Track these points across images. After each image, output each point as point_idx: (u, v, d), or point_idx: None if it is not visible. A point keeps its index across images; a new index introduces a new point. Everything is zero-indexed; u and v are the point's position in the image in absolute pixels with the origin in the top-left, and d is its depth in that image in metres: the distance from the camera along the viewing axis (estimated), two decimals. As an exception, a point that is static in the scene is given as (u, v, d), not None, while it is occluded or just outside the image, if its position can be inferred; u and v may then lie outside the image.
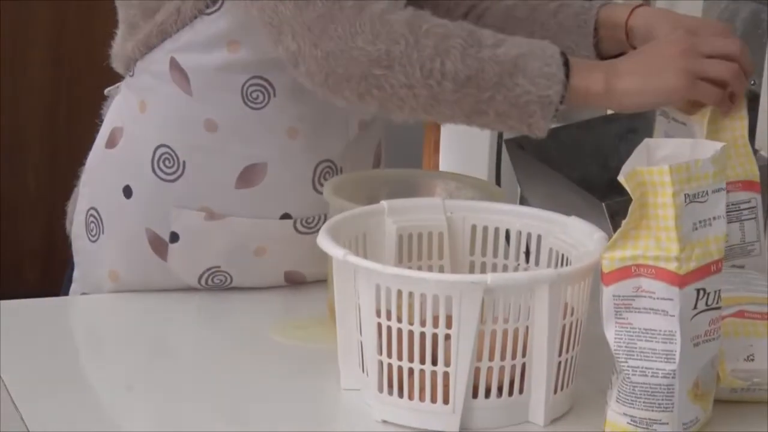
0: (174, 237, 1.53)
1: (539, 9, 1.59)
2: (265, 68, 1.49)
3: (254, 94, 1.49)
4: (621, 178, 1.21)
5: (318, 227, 1.53)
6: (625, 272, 1.22)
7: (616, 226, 1.23)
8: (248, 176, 1.52)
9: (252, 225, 1.53)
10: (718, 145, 1.26)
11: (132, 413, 1.30)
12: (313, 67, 1.36)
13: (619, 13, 1.54)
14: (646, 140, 1.28)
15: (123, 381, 1.36)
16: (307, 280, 1.60)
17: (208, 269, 1.55)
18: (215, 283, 1.56)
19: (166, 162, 1.51)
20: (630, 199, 1.21)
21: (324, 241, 1.30)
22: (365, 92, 1.36)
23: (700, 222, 1.22)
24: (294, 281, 1.59)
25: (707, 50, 1.38)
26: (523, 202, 2.14)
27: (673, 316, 1.21)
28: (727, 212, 1.46)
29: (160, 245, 1.53)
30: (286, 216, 1.54)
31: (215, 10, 1.47)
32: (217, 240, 1.53)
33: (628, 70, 1.38)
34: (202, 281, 1.55)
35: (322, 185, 1.53)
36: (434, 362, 1.24)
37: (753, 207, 1.48)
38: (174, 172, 1.52)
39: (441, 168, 3.23)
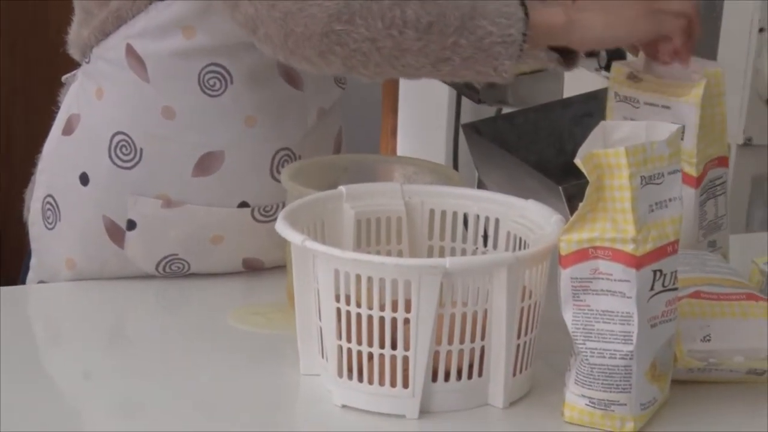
0: (131, 224, 1.52)
1: None
2: (222, 55, 1.48)
3: (211, 81, 1.49)
4: (578, 161, 1.21)
5: (276, 215, 1.53)
6: (582, 254, 1.23)
7: (573, 210, 1.24)
8: (206, 164, 1.51)
9: (209, 213, 1.53)
10: (673, 127, 1.26)
11: (92, 401, 1.30)
12: (272, 28, 1.34)
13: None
14: (603, 123, 1.29)
15: (81, 369, 1.35)
16: (265, 267, 1.60)
17: (166, 257, 1.54)
18: (173, 270, 1.55)
19: (123, 149, 1.51)
20: (587, 183, 1.22)
21: (282, 227, 1.30)
22: (327, 50, 1.34)
23: (656, 204, 1.23)
24: (253, 268, 1.59)
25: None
26: (480, 186, 2.14)
27: (630, 297, 1.22)
28: (706, 189, 1.48)
29: (117, 233, 1.53)
30: (243, 204, 1.54)
31: None
32: (174, 228, 1.53)
33: (589, 6, 1.38)
34: (160, 268, 1.55)
35: (280, 174, 1.53)
36: (393, 346, 1.25)
37: (724, 182, 1.51)
38: (131, 160, 1.51)
39: (399, 153, 3.24)
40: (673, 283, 1.25)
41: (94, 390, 1.32)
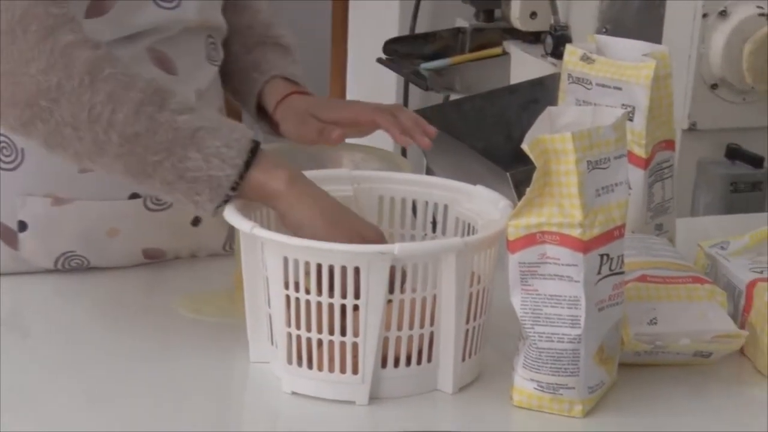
0: (22, 226, 1.50)
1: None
2: None
3: None
4: (524, 147, 1.22)
5: (168, 204, 1.53)
6: (530, 239, 1.23)
7: (520, 195, 1.24)
8: None
9: (101, 207, 1.51)
10: (618, 112, 1.27)
11: (40, 393, 1.29)
12: None
13: (272, 98, 1.57)
14: (549, 108, 1.29)
15: (31, 363, 1.34)
16: (167, 257, 1.59)
17: (63, 253, 1.53)
18: (72, 266, 1.54)
19: (5, 151, 1.48)
20: (534, 168, 1.23)
21: (231, 214, 1.29)
22: (29, 122, 1.32)
23: (602, 188, 1.23)
24: (154, 258, 1.57)
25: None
26: (429, 172, 2.15)
27: (578, 281, 1.22)
28: (654, 171, 1.49)
29: (9, 235, 1.51)
30: (134, 195, 1.52)
31: None
32: (67, 225, 1.51)
33: (310, 200, 1.32)
34: (59, 265, 1.54)
35: None
36: (343, 333, 1.25)
37: (671, 165, 1.52)
38: (14, 161, 1.49)
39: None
40: (620, 267, 1.26)
41: (42, 381, 1.31)
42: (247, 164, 1.32)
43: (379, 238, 1.33)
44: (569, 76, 1.51)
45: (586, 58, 1.49)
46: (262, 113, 1.61)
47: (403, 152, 3.00)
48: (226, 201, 1.32)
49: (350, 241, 1.28)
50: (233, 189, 1.32)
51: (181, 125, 1.32)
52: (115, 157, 1.32)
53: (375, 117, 1.51)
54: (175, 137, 1.31)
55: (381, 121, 1.51)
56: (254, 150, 1.33)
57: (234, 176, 1.31)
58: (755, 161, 2.28)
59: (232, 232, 1.57)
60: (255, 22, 1.65)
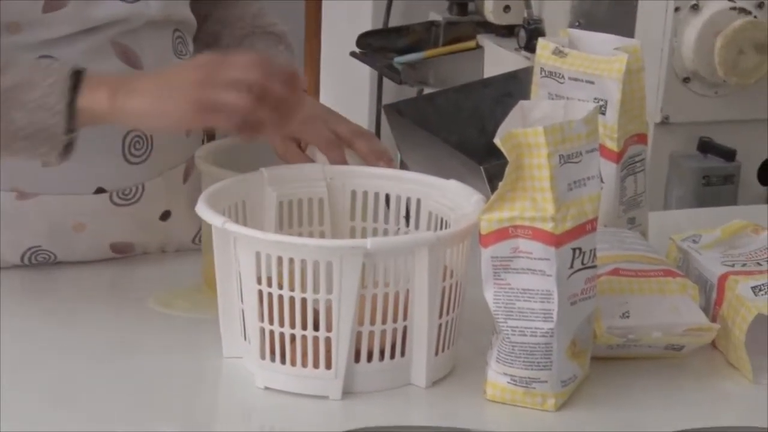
0: None
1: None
2: (51, 47, 1.45)
3: None
4: (497, 141, 1.22)
5: (135, 198, 1.52)
6: (502, 233, 1.23)
7: (494, 189, 1.24)
8: None
9: (66, 202, 1.50)
10: (590, 106, 1.28)
11: (12, 388, 1.28)
12: None
13: None
14: (521, 102, 1.30)
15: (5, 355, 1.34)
16: (136, 251, 1.58)
17: (30, 248, 1.52)
18: (39, 261, 1.53)
19: None
20: (507, 162, 1.23)
21: (202, 209, 1.29)
22: None
23: (574, 182, 1.24)
24: (122, 252, 1.57)
25: (224, 78, 1.30)
26: (402, 166, 2.15)
27: (550, 275, 1.23)
28: (626, 165, 1.50)
29: None
30: (100, 190, 1.51)
31: None
32: (32, 219, 1.50)
33: (142, 88, 1.33)
34: (25, 260, 1.53)
35: (134, 156, 1.51)
36: (316, 328, 1.25)
37: (643, 159, 1.53)
38: None
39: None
40: (592, 261, 1.26)
41: (16, 376, 1.30)
42: (71, 104, 1.31)
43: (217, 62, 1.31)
44: (541, 69, 1.51)
45: (558, 52, 1.49)
46: None
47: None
48: (69, 145, 1.32)
49: (189, 109, 1.28)
50: (68, 132, 1.32)
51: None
52: None
53: (327, 153, 1.49)
54: None
55: (332, 158, 1.48)
56: (76, 85, 1.31)
57: (62, 122, 1.31)
58: (727, 154, 2.29)
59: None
60: (245, 14, 1.65)
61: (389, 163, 1.48)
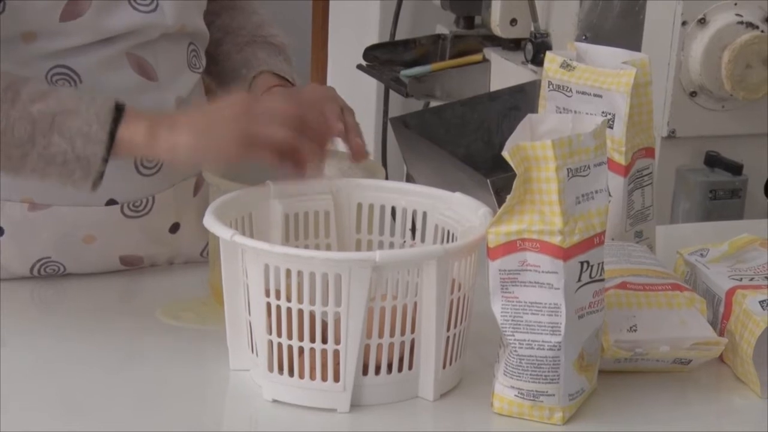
0: None
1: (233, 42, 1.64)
2: (66, 56, 1.45)
3: (59, 83, 1.46)
4: (505, 154, 1.22)
5: (146, 210, 1.52)
6: (510, 247, 1.23)
7: (501, 202, 1.25)
8: None
9: (77, 213, 1.51)
10: (598, 120, 1.28)
11: (22, 398, 1.28)
12: None
13: (257, 91, 1.57)
14: (529, 115, 1.30)
15: (12, 367, 1.34)
16: (145, 264, 1.58)
17: (39, 260, 1.52)
18: (48, 273, 1.54)
19: None
20: (515, 175, 1.23)
21: (210, 222, 1.29)
22: None
23: (582, 195, 1.24)
24: (131, 265, 1.57)
25: (263, 112, 1.35)
26: (408, 179, 2.15)
27: (558, 288, 1.23)
28: (633, 179, 1.50)
29: None
30: (111, 202, 1.52)
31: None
32: (43, 230, 1.51)
33: (183, 123, 1.35)
34: (35, 271, 1.53)
35: (145, 168, 1.51)
36: (324, 341, 1.25)
37: (650, 173, 1.53)
38: None
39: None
40: (600, 274, 1.26)
41: (25, 387, 1.30)
42: (112, 134, 1.33)
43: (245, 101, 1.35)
44: (549, 83, 1.51)
45: (566, 66, 1.49)
46: None
47: (383, 158, 3.01)
48: (101, 175, 1.34)
49: (233, 143, 1.32)
50: (105, 162, 1.33)
51: (36, 116, 1.33)
52: None
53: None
54: (34, 129, 1.32)
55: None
56: (117, 117, 1.34)
57: (100, 151, 1.33)
58: (734, 169, 2.29)
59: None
60: (248, 23, 1.66)
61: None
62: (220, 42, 1.63)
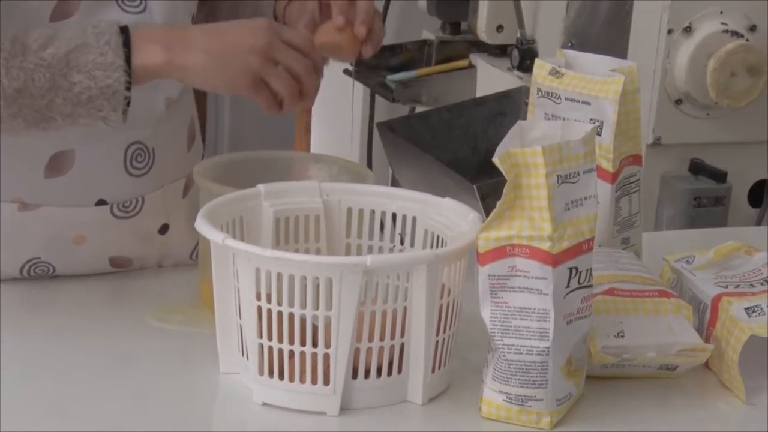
0: None
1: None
2: None
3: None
4: (495, 160, 1.23)
5: (135, 211, 1.53)
6: (500, 252, 1.24)
7: (487, 208, 1.26)
8: (57, 164, 1.49)
9: (67, 213, 1.51)
10: (588, 127, 1.29)
11: (13, 402, 1.28)
12: None
13: (280, 6, 1.57)
14: (519, 122, 1.31)
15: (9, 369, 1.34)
16: (134, 266, 1.59)
17: (29, 260, 1.52)
18: (38, 273, 1.54)
19: None
20: (501, 181, 1.24)
21: (202, 225, 1.30)
22: None
23: (572, 202, 1.25)
24: (120, 266, 1.57)
25: (281, 51, 1.37)
26: (394, 184, 2.16)
27: (547, 294, 1.23)
28: (621, 186, 1.51)
29: None
30: (101, 202, 1.52)
31: None
32: (33, 231, 1.51)
33: (198, 45, 1.36)
34: (24, 272, 1.53)
35: (135, 168, 1.52)
36: (314, 344, 1.25)
37: (637, 180, 1.54)
38: None
39: (313, 151, 3.23)
40: (588, 281, 1.27)
41: (12, 389, 1.30)
42: (128, 59, 1.34)
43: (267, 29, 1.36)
44: (538, 90, 1.52)
45: (555, 73, 1.50)
46: None
47: (369, 163, 3.01)
48: (128, 103, 1.35)
49: (243, 83, 1.35)
50: (128, 88, 1.34)
51: (50, 59, 1.33)
52: (11, 118, 1.34)
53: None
54: (53, 73, 1.33)
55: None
56: (126, 41, 1.35)
57: (123, 77, 1.34)
58: (718, 176, 2.30)
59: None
60: None
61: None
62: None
